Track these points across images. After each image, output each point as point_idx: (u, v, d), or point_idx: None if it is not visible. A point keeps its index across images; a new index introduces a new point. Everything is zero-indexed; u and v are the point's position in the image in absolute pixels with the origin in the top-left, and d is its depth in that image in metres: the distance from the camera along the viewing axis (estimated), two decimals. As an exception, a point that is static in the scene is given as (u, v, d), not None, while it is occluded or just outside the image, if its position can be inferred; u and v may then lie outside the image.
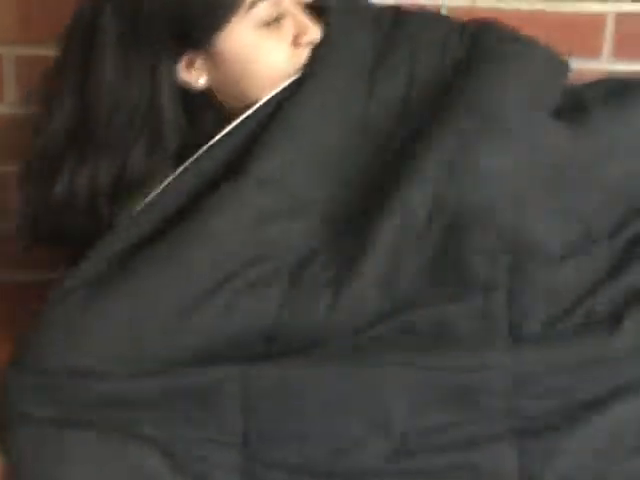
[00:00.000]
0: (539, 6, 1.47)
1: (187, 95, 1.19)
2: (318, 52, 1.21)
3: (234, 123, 1.16)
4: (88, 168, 1.17)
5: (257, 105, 1.17)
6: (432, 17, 1.32)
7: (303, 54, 1.21)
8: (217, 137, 1.15)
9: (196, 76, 1.18)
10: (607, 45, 1.49)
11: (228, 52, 1.18)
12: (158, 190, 1.15)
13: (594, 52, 1.49)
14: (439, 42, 1.25)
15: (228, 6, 1.13)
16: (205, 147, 1.15)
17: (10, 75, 1.45)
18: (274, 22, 1.18)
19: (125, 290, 1.09)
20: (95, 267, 1.12)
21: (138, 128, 1.17)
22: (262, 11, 1.15)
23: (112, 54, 1.14)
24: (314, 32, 1.20)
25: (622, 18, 1.48)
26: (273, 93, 1.18)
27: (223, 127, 1.16)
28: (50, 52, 1.23)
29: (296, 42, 1.20)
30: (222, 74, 1.20)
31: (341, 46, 1.24)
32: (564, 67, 1.26)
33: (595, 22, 1.48)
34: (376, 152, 1.20)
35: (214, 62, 1.18)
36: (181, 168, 1.15)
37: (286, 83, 1.19)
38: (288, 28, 1.19)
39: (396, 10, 1.31)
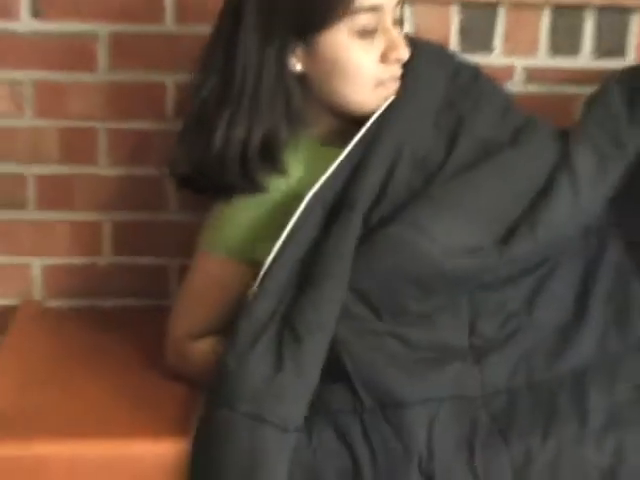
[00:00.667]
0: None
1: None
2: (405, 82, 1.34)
3: (349, 147, 1.30)
4: (240, 130, 1.28)
5: (366, 125, 1.30)
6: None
7: (390, 70, 1.33)
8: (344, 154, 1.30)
9: (295, 62, 1.29)
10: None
11: (324, 50, 1.28)
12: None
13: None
14: (502, 107, 1.42)
15: (339, 8, 1.24)
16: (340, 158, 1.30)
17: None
18: (369, 33, 1.28)
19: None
20: None
21: (275, 100, 1.28)
22: (362, 20, 1.26)
23: (251, 37, 1.26)
24: (403, 51, 1.31)
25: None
26: (377, 113, 1.32)
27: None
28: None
29: (384, 57, 1.30)
30: (317, 68, 1.30)
31: (424, 82, 1.38)
32: None
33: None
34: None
35: (312, 55, 1.29)
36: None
37: (385, 104, 1.33)
38: (379, 42, 1.29)
39: (476, 67, 1.47)
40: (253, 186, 1.32)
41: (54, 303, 1.76)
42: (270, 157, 1.31)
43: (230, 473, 1.21)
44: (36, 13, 1.62)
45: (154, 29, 1.61)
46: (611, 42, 1.69)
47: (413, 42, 1.38)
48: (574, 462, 1.18)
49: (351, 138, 1.31)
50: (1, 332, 1.65)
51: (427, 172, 1.33)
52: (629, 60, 1.68)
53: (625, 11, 1.67)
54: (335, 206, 1.30)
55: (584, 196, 1.32)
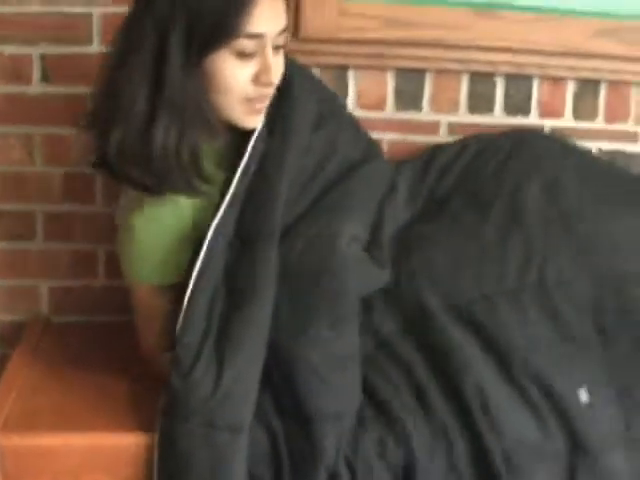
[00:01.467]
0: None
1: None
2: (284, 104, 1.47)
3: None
4: (172, 134, 1.32)
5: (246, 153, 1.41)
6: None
7: (259, 90, 1.37)
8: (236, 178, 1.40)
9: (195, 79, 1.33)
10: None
11: (208, 66, 1.32)
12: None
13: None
14: (355, 128, 1.67)
15: (223, 34, 1.29)
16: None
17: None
18: (247, 56, 1.32)
19: None
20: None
21: (191, 111, 1.33)
22: (242, 44, 1.30)
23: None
24: (274, 76, 1.37)
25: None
26: (253, 141, 1.42)
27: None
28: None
29: (256, 78, 1.35)
30: (205, 83, 1.34)
31: (300, 104, 1.51)
32: None
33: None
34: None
35: (202, 72, 1.33)
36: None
37: (259, 128, 1.42)
38: (255, 64, 1.34)
39: (334, 93, 1.69)
40: (187, 185, 1.36)
41: (58, 319, 1.93)
42: (194, 163, 1.36)
43: None
44: (45, 78, 1.81)
45: None
46: (518, 103, 1.94)
47: (291, 67, 1.48)
48: None
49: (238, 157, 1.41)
50: (12, 344, 1.81)
51: (304, 190, 1.49)
52: (533, 116, 1.95)
53: (528, 77, 1.93)
54: (244, 236, 1.40)
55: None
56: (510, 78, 1.93)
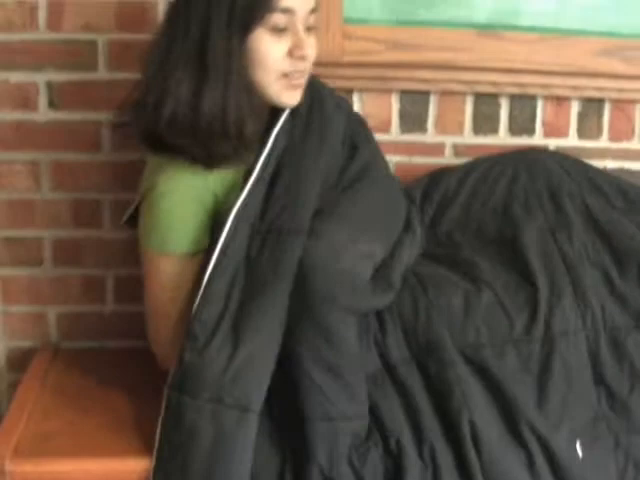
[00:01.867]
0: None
1: None
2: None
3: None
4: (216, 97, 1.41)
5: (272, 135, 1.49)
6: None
7: (294, 65, 1.46)
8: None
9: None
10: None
11: (250, 45, 1.42)
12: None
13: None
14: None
15: (257, 9, 1.39)
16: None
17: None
18: (280, 31, 1.43)
19: None
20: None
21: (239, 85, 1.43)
22: (275, 19, 1.41)
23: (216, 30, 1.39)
24: (308, 48, 1.46)
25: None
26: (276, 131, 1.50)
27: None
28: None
29: (290, 52, 1.45)
30: (248, 61, 1.44)
31: (334, 119, 1.61)
32: None
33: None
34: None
35: (245, 50, 1.43)
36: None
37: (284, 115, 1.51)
38: (288, 40, 1.45)
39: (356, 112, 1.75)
40: (233, 153, 1.45)
41: (67, 345, 1.94)
42: (240, 134, 1.45)
43: (196, 458, 1.33)
44: (52, 104, 1.84)
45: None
46: (522, 123, 1.96)
47: (323, 88, 1.63)
48: None
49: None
50: (23, 369, 1.81)
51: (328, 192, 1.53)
52: (538, 136, 1.97)
53: (532, 98, 1.95)
54: (271, 225, 1.45)
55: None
56: (514, 98, 1.95)
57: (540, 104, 1.96)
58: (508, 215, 1.70)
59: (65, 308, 1.95)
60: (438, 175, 1.82)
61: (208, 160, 1.45)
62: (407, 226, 1.65)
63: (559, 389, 1.45)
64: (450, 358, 1.45)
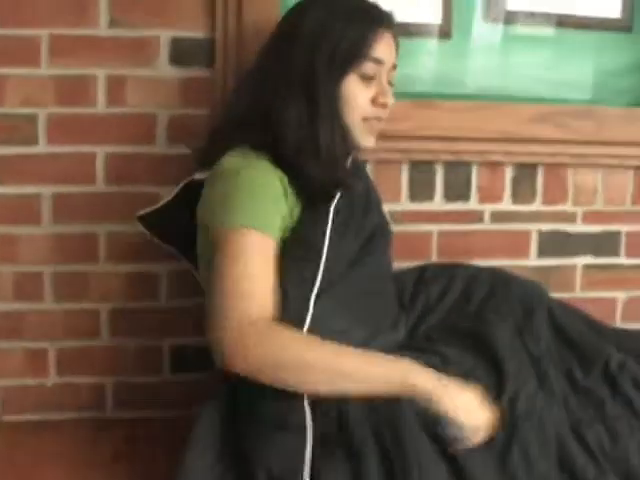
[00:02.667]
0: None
1: None
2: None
3: None
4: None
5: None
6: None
7: (376, 111, 1.60)
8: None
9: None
10: (435, 251, 2.02)
11: (343, 88, 1.56)
12: None
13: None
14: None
15: (354, 57, 1.54)
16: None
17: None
18: (368, 79, 1.57)
19: None
20: None
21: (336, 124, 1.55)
22: (366, 68, 1.56)
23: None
24: (390, 98, 1.61)
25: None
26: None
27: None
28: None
29: (375, 100, 1.59)
30: (342, 103, 1.57)
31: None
32: None
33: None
34: None
35: (340, 93, 1.56)
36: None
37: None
38: (373, 88, 1.59)
39: None
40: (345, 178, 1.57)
41: (10, 418, 1.93)
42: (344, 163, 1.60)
43: None
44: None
45: (88, 190, 1.88)
46: (457, 189, 2.02)
47: None
48: None
49: None
50: None
51: None
52: (473, 202, 2.03)
53: (467, 164, 2.01)
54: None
55: None
56: (449, 165, 2.01)
57: (475, 170, 2.02)
58: (481, 318, 1.73)
59: (8, 381, 1.94)
60: (422, 283, 1.84)
61: (333, 184, 1.55)
62: (394, 325, 1.69)
63: (520, 472, 1.44)
64: (410, 435, 1.44)
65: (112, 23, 1.84)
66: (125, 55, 1.86)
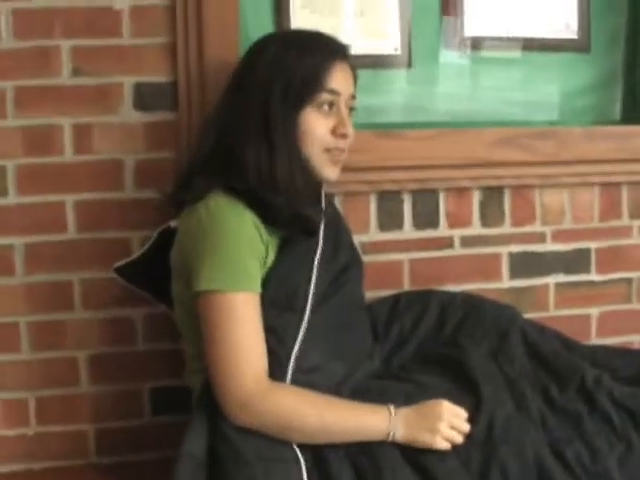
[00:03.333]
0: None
1: None
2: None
3: None
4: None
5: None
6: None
7: (336, 142, 1.61)
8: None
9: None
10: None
11: (301, 121, 1.58)
12: None
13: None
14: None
15: (311, 88, 1.57)
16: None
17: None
18: (325, 110, 1.59)
19: None
20: None
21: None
22: (323, 98, 1.58)
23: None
24: (349, 128, 1.63)
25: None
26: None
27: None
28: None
29: (334, 130, 1.61)
30: (300, 136, 1.59)
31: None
32: None
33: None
34: None
35: (298, 126, 1.58)
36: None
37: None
38: (332, 119, 1.61)
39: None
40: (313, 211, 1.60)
41: None
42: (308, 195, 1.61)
43: None
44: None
45: (60, 238, 1.89)
46: (426, 216, 2.04)
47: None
48: None
49: None
50: None
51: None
52: (442, 228, 2.05)
53: (434, 191, 2.03)
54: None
55: None
56: (416, 193, 2.02)
57: (442, 197, 2.04)
58: (455, 343, 1.75)
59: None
60: (395, 312, 1.86)
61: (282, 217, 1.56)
62: (370, 356, 1.71)
63: None
64: (388, 461, 1.47)
65: (75, 72, 1.86)
66: (89, 103, 1.87)
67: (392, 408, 1.50)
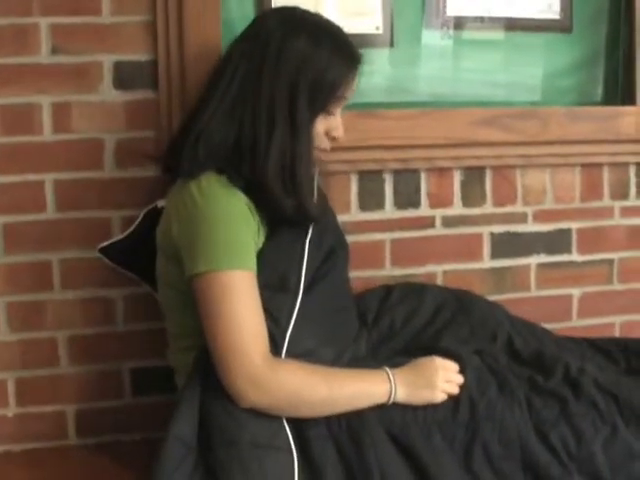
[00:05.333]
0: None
1: None
2: None
3: None
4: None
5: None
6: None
7: (327, 145, 1.64)
8: None
9: None
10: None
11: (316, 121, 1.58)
12: None
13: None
14: None
15: (335, 97, 1.58)
16: None
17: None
18: (330, 114, 1.60)
19: None
20: None
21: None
22: (336, 106, 1.60)
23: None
24: (341, 132, 1.64)
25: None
26: None
27: None
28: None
29: (327, 132, 1.62)
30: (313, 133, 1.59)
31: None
32: None
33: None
34: None
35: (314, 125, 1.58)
36: None
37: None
38: (330, 122, 1.61)
39: None
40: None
41: None
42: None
43: None
44: None
45: (39, 218, 1.87)
46: (407, 196, 2.04)
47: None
48: None
49: None
50: None
51: None
52: (424, 208, 2.05)
53: (415, 171, 2.03)
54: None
55: None
56: (398, 173, 2.02)
57: (423, 176, 2.04)
58: (439, 340, 1.77)
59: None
60: (387, 304, 1.87)
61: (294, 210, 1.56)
62: (355, 340, 1.71)
63: (484, 472, 1.48)
64: (371, 440, 1.47)
65: (54, 50, 1.84)
66: (69, 81, 1.86)
67: (388, 369, 1.53)
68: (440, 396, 1.53)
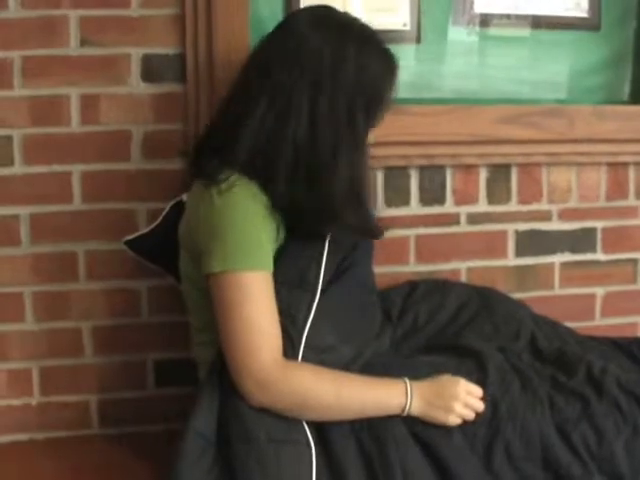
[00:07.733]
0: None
1: None
2: None
3: None
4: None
5: None
6: None
7: None
8: None
9: None
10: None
11: None
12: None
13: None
14: None
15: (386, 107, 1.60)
16: None
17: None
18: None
19: None
20: None
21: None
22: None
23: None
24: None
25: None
26: None
27: None
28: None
29: None
30: None
31: None
32: None
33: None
34: None
35: None
36: None
37: None
38: None
39: None
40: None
41: None
42: None
43: None
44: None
45: (66, 208, 1.88)
46: (433, 193, 2.04)
47: None
48: None
49: None
50: None
51: None
52: (449, 205, 2.04)
53: (441, 168, 2.03)
54: None
55: None
56: (423, 169, 2.02)
57: (449, 173, 2.03)
58: (461, 338, 1.77)
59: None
60: (412, 300, 1.87)
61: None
62: (378, 336, 1.71)
63: (504, 472, 1.48)
64: (392, 436, 1.47)
65: (83, 42, 1.85)
66: (97, 73, 1.86)
67: (408, 382, 1.50)
68: (454, 421, 1.49)
